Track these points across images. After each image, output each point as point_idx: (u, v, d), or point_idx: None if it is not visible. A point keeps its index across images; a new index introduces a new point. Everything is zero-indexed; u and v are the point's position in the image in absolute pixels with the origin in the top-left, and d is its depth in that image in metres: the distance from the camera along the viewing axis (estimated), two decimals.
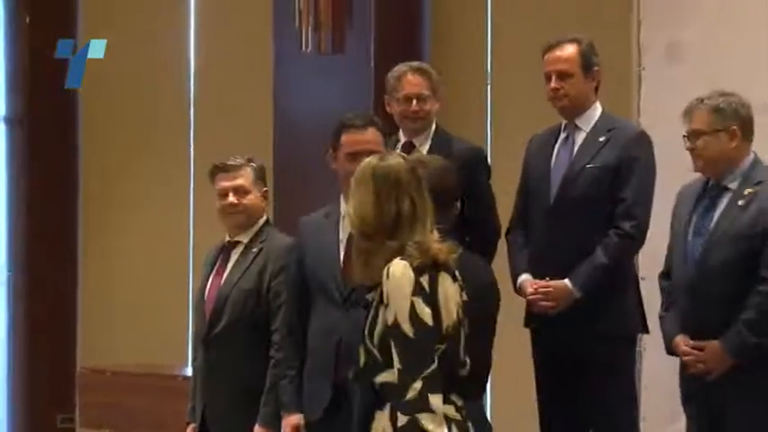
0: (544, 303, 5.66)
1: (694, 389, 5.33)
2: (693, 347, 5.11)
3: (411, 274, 4.45)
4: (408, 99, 5.95)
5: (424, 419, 4.40)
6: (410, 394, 4.42)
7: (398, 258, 4.44)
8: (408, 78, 6.01)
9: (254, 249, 5.68)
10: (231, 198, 5.71)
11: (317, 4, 7.99)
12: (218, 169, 5.82)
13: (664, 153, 5.91)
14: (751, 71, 6.38)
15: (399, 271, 4.42)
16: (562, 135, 5.95)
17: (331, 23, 8.03)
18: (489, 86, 7.95)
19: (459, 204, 5.12)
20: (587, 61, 5.84)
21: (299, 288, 5.30)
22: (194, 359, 5.86)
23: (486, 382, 4.90)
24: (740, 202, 5.26)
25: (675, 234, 5.32)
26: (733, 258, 5.17)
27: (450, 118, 6.59)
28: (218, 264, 5.77)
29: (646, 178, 5.84)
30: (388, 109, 6.03)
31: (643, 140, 5.91)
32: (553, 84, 5.84)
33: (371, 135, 5.43)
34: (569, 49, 5.87)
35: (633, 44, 7.23)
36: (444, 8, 8.13)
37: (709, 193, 5.40)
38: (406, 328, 4.44)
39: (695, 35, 6.96)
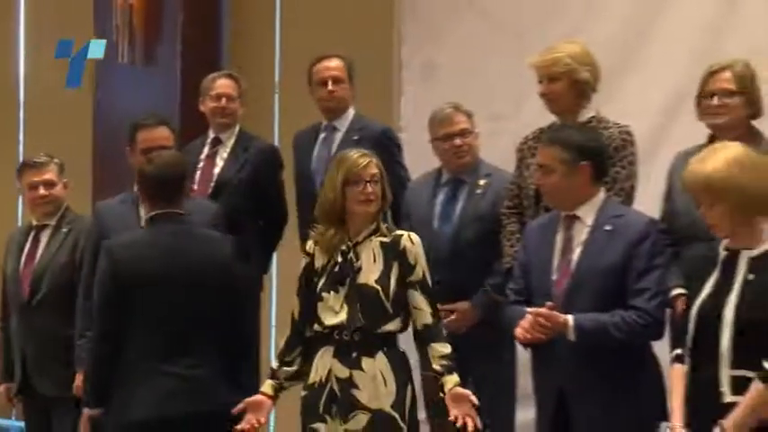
0: None
1: None
2: (445, 309, 5.21)
3: None
4: (219, 97, 6.21)
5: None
6: (444, 330, 4.81)
7: (402, 230, 4.84)
8: (220, 81, 6.29)
9: (64, 229, 5.88)
10: (42, 191, 5.89)
11: (131, 21, 8.00)
12: (27, 166, 6.00)
13: (418, 154, 6.18)
14: (490, 88, 6.59)
15: (418, 239, 4.79)
16: (321, 135, 6.18)
17: (143, 39, 8.01)
18: (277, 94, 8.04)
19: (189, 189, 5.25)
20: (351, 73, 6.11)
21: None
22: (4, 327, 5.98)
23: None
24: (478, 191, 5.51)
25: (418, 223, 5.46)
26: (479, 237, 5.43)
27: (244, 120, 6.70)
28: (28, 244, 5.92)
29: (396, 169, 5.97)
30: (202, 108, 6.33)
31: (387, 136, 6.16)
32: (330, 87, 6.08)
33: (162, 132, 5.51)
34: (338, 61, 6.13)
35: (395, 61, 7.42)
36: (241, 26, 8.09)
37: (447, 185, 5.61)
38: (430, 280, 4.78)
39: (448, 56, 7.11)
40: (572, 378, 4.57)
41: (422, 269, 4.76)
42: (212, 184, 6.15)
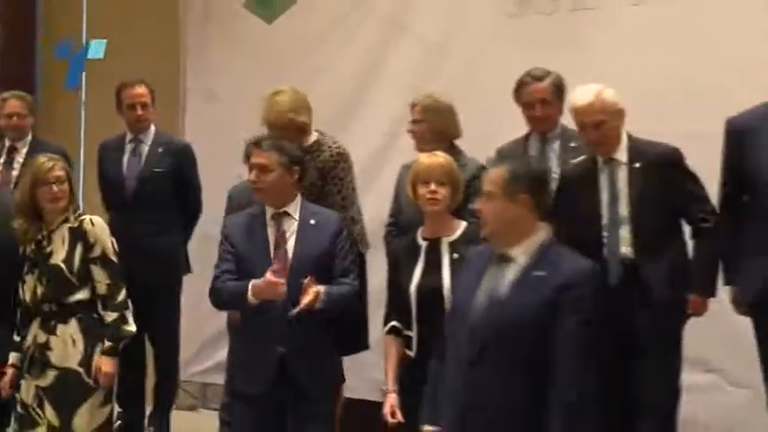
0: None
1: None
2: None
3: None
4: (10, 116, 6.42)
5: (127, 313, 4.96)
6: (120, 298, 4.91)
7: (86, 215, 4.93)
8: (8, 102, 6.49)
9: None
10: None
11: None
12: None
13: (207, 163, 6.47)
14: (256, 112, 5.74)
15: (101, 221, 4.99)
16: (129, 146, 6.32)
17: None
18: (83, 111, 8.07)
19: None
20: (153, 96, 6.35)
21: None
22: None
23: None
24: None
25: None
26: None
27: (57, 132, 7.15)
28: None
29: (195, 176, 6.35)
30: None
31: (189, 150, 6.45)
32: (140, 111, 6.25)
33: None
34: (144, 88, 6.31)
35: (181, 87, 7.72)
36: (53, 52, 8.00)
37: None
38: (114, 256, 4.92)
39: (224, 85, 7.48)
40: (290, 342, 4.60)
41: (101, 247, 4.90)
42: (11, 186, 6.19)
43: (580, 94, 4.93)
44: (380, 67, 6.96)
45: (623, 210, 4.87)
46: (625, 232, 4.86)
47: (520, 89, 5.36)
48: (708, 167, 4.86)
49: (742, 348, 5.04)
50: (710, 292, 4.89)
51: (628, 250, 4.84)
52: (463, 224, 4.69)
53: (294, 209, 4.78)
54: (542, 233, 3.72)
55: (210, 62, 7.69)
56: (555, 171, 5.25)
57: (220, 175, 6.33)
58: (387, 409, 4.51)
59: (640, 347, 4.78)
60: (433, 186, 4.58)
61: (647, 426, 4.79)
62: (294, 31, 7.34)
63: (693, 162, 4.91)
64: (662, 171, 4.86)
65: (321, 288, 4.57)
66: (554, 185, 5.15)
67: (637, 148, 4.92)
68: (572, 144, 5.30)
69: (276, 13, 7.45)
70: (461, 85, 6.27)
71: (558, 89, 5.34)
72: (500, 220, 3.70)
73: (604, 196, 4.91)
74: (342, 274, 4.72)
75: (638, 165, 4.88)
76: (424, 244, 4.62)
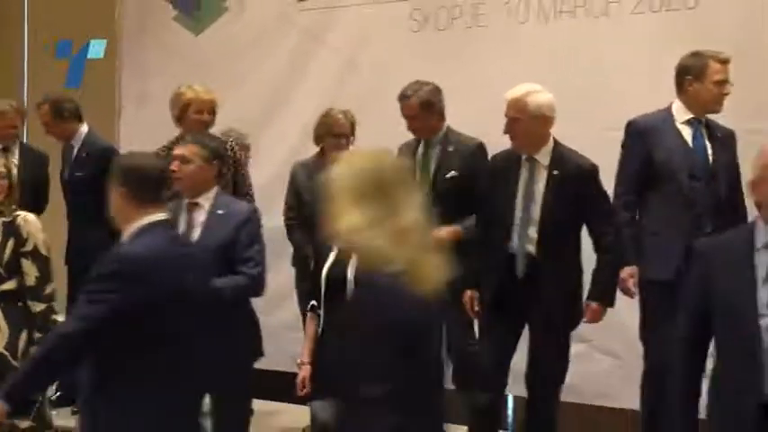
0: None
1: None
2: None
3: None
4: None
5: (54, 305, 4.96)
6: (48, 290, 4.91)
7: (20, 212, 4.92)
8: None
9: None
10: None
11: None
12: None
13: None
14: None
15: (34, 218, 5.00)
16: (68, 150, 6.71)
17: None
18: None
19: None
20: (56, 110, 6.60)
21: None
22: None
23: None
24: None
25: None
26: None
27: None
28: None
29: None
30: None
31: (109, 153, 6.36)
32: (46, 130, 6.62)
33: None
34: (45, 107, 6.57)
35: (116, 92, 7.89)
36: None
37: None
38: (45, 251, 4.91)
39: (156, 88, 7.39)
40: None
41: (33, 242, 4.87)
42: None
43: (512, 89, 5.10)
44: (299, 76, 7.23)
45: (535, 212, 5.06)
46: (533, 232, 5.06)
47: (399, 103, 5.71)
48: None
49: (609, 322, 5.38)
50: (609, 302, 5.16)
51: (532, 248, 5.07)
52: None
53: (205, 199, 4.87)
54: (144, 220, 3.77)
55: (144, 70, 7.88)
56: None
57: None
58: (299, 380, 4.62)
59: (539, 336, 5.10)
60: None
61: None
62: (221, 41, 7.59)
63: None
64: (577, 183, 5.02)
65: None
66: (447, 185, 5.55)
67: (559, 156, 5.10)
68: (450, 149, 5.61)
69: (203, 26, 7.69)
70: (371, 94, 6.66)
71: (425, 104, 5.58)
72: (111, 209, 3.86)
73: (520, 194, 5.11)
74: (241, 261, 4.75)
75: (556, 172, 5.05)
76: None
